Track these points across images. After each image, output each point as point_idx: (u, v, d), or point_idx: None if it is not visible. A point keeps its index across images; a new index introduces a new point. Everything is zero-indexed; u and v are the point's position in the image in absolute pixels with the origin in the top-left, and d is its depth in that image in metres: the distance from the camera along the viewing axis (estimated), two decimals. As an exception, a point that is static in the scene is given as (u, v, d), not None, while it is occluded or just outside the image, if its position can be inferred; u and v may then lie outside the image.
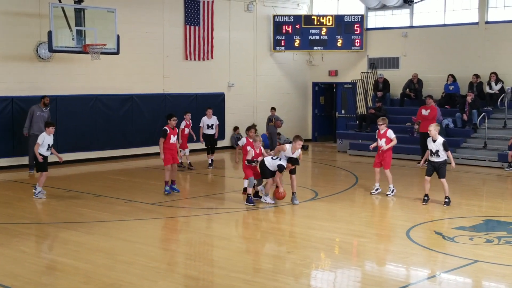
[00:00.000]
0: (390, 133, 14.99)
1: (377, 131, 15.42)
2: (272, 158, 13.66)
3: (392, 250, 10.31)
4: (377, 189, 15.03)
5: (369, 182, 16.91)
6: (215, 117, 19.66)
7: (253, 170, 13.78)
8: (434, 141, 13.58)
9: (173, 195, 14.71)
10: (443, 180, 13.53)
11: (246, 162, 13.82)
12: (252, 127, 14.77)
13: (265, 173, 13.59)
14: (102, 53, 17.98)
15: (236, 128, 24.43)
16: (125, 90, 21.34)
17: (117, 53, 18.60)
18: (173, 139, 15.03)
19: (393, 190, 14.80)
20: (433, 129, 13.76)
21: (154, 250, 10.28)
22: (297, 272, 9.19)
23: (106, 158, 20.73)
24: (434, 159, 13.62)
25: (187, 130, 18.92)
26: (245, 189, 14.05)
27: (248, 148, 13.94)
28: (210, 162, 19.24)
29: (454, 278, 8.98)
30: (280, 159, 13.54)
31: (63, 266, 9.39)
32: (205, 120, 19.41)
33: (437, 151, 13.47)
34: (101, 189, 15.59)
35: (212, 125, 19.38)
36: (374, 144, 15.53)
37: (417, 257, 9.90)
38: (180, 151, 18.60)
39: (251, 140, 14.13)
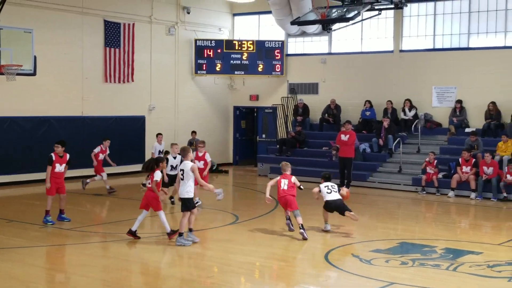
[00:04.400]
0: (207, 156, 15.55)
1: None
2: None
3: (312, 273, 10.45)
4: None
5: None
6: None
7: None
8: None
9: (94, 220, 14.41)
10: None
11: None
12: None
13: None
14: (18, 74, 17.58)
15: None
16: (42, 112, 20.84)
17: (34, 74, 18.23)
18: (59, 167, 13.80)
19: None
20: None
21: (71, 277, 10.03)
22: (217, 297, 9.16)
23: (21, 182, 20.11)
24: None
25: (101, 156, 18.68)
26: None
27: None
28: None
29: (370, 300, 9.18)
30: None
31: (-26, 295, 9.04)
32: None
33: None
34: (16, 214, 15.11)
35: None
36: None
37: (336, 280, 10.08)
38: (96, 176, 18.55)
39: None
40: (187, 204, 12.05)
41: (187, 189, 11.94)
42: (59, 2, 21.01)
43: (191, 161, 12.39)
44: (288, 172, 13.42)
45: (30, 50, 18.00)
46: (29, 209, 15.99)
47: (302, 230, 12.63)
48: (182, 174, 11.97)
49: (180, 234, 12.08)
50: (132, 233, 12.44)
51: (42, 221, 13.86)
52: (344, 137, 19.79)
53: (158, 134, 19.61)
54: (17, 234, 12.98)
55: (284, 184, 13.18)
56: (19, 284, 9.48)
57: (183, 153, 12.19)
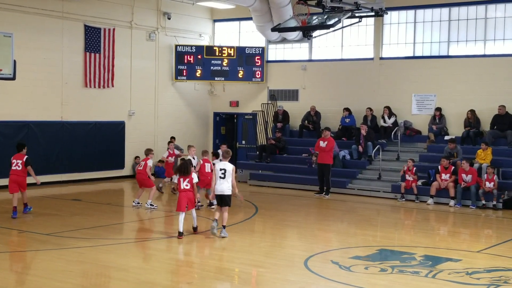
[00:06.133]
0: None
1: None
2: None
3: (291, 279, 10.45)
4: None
5: (269, 212, 17.14)
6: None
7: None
8: None
9: (72, 225, 14.31)
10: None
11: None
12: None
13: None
14: (-3, 78, 17.37)
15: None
16: (21, 116, 20.67)
17: (13, 78, 18.00)
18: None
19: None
20: None
21: (48, 282, 9.93)
22: (196, 303, 9.13)
23: (-1, 186, 19.91)
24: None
25: (171, 159, 19.76)
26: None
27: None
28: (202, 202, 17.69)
29: (349, 307, 9.19)
30: None
31: (-51, 301, 8.92)
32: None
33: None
34: (-7, 219, 14.93)
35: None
36: None
37: (315, 286, 10.09)
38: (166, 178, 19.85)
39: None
40: (227, 200, 13.27)
41: (228, 185, 13.18)
42: (39, 6, 20.89)
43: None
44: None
45: (10, 54, 17.78)
46: (8, 214, 15.80)
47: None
48: (224, 173, 13.15)
49: (224, 227, 13.31)
50: (194, 229, 13.67)
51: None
52: (322, 144, 19.90)
53: (190, 146, 18.61)
54: (-6, 239, 12.83)
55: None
56: (-5, 290, 9.38)
57: (227, 155, 13.51)
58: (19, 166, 15.53)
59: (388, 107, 22.35)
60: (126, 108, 23.98)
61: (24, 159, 15.58)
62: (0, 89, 19.03)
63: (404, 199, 19.36)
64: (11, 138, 20.29)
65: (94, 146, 22.49)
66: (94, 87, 22.69)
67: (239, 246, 13.02)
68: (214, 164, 14.67)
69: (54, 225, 14.72)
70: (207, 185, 16.08)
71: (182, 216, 13.25)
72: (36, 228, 14.20)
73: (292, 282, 10.31)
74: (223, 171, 13.19)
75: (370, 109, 22.58)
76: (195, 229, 13.68)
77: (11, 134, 20.35)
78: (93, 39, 22.54)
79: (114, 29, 23.10)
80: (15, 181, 15.48)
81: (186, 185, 13.33)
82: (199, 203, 16.04)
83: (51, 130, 21.34)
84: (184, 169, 13.42)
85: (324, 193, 20.05)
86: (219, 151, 17.37)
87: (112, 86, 23.25)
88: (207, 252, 12.32)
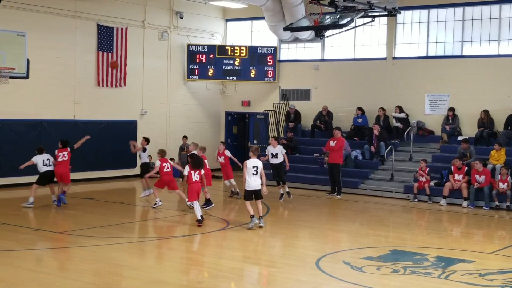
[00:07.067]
0: None
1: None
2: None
3: (302, 280, 10.42)
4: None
5: (281, 212, 17.11)
6: (281, 146, 18.99)
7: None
8: None
9: (85, 224, 14.35)
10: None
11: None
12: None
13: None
14: (10, 77, 17.43)
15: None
16: (34, 115, 20.77)
17: (27, 77, 18.12)
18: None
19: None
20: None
21: (61, 281, 9.96)
22: (208, 303, 9.12)
23: (12, 184, 20.01)
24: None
25: (220, 159, 19.31)
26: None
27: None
28: (281, 192, 18.77)
29: (361, 307, 9.15)
30: None
31: (-38, 299, 8.96)
32: (270, 149, 18.74)
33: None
34: (6, 217, 14.99)
35: (277, 154, 18.54)
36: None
37: (327, 286, 10.04)
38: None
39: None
40: (260, 194, 14.21)
41: (260, 181, 14.15)
42: (52, 5, 20.98)
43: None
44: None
45: (23, 53, 17.90)
46: (20, 212, 15.89)
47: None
48: (256, 170, 14.06)
49: (261, 217, 14.33)
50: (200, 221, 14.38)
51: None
52: (332, 143, 19.88)
53: (272, 137, 19.48)
54: (7, 236, 12.88)
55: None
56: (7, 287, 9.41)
57: (257, 152, 14.40)
58: (65, 157, 16.99)
59: (399, 107, 22.26)
60: (138, 107, 24.03)
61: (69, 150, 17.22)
62: (14, 88, 19.11)
63: (416, 200, 19.26)
64: (24, 136, 20.41)
65: (106, 145, 22.53)
66: (107, 86, 22.76)
67: (250, 246, 13.01)
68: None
69: (67, 223, 14.79)
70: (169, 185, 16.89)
71: (196, 204, 14.37)
72: (49, 226, 14.28)
73: (304, 282, 10.27)
74: (255, 168, 14.05)
75: (383, 109, 22.48)
76: (199, 221, 14.35)
77: (24, 132, 20.45)
78: (106, 38, 22.60)
79: (126, 28, 23.15)
80: (61, 172, 16.82)
81: (197, 177, 14.58)
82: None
83: (64, 129, 21.40)
84: (198, 163, 14.70)
85: (336, 193, 20.00)
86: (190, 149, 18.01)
87: (125, 85, 23.31)
88: (218, 252, 12.31)
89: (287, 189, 18.79)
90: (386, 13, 18.93)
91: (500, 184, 18.13)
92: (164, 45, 24.79)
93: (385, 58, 23.29)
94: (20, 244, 12.26)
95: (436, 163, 20.39)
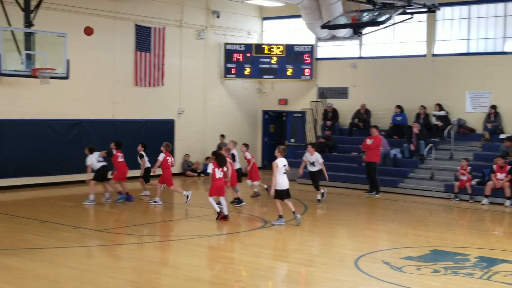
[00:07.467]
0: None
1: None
2: None
3: (341, 279, 10.33)
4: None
5: (319, 211, 17.02)
6: (318, 154, 18.07)
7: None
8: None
9: (125, 222, 14.48)
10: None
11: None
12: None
13: None
14: (51, 77, 17.68)
15: (186, 155, 24.33)
16: (74, 115, 21.04)
17: (67, 77, 18.33)
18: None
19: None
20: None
21: (101, 278, 10.05)
22: (246, 302, 9.10)
23: (53, 183, 20.32)
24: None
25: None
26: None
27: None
28: (318, 197, 18.12)
29: (401, 308, 9.04)
30: None
31: (5, 295, 9.11)
32: (307, 156, 18.13)
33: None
34: (47, 215, 15.23)
35: (314, 162, 17.92)
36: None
37: (365, 286, 9.94)
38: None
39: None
40: (289, 193, 14.58)
41: (288, 181, 14.44)
42: (92, 7, 21.22)
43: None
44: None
45: (64, 54, 18.12)
46: (61, 211, 16.12)
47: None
48: (285, 169, 14.30)
49: (295, 212, 14.49)
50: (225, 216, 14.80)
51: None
52: (369, 141, 19.71)
53: (309, 145, 18.64)
54: (49, 234, 13.07)
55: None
56: (49, 284, 9.53)
57: (284, 152, 14.50)
58: (122, 158, 17.66)
59: (439, 104, 21.94)
60: (176, 107, 24.17)
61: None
62: (54, 88, 19.39)
63: (457, 199, 18.95)
64: (64, 135, 20.71)
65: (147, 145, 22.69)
66: (145, 85, 22.94)
67: (288, 245, 12.97)
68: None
69: (106, 221, 14.95)
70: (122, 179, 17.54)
71: (212, 200, 14.85)
72: (89, 224, 14.45)
73: (342, 282, 10.18)
74: (285, 167, 14.30)
75: (424, 107, 22.17)
76: (223, 215, 14.74)
77: (64, 131, 20.74)
78: (144, 38, 22.79)
79: (164, 28, 23.30)
80: (122, 171, 17.51)
81: (221, 174, 14.84)
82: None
83: (103, 128, 21.65)
84: (222, 160, 14.96)
85: (374, 192, 19.81)
86: (229, 147, 17.78)
87: (162, 84, 23.47)
88: (256, 250, 12.28)
89: (322, 190, 18.28)
90: (425, 9, 18.73)
91: (544, 183, 17.73)
92: (201, 44, 24.88)
93: (424, 55, 22.97)
94: (62, 242, 12.42)
95: (477, 162, 20.04)
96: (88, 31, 18.01)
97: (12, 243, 12.27)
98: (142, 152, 18.23)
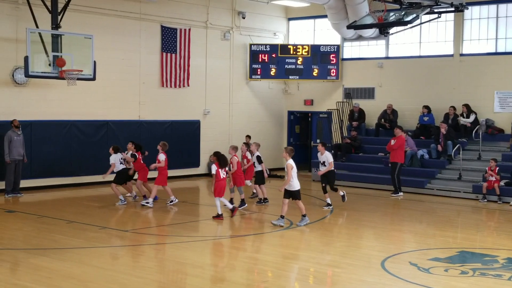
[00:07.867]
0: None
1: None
2: None
3: (367, 281, 10.26)
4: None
5: (345, 212, 16.92)
6: (329, 153, 17.51)
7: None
8: None
9: (150, 222, 14.55)
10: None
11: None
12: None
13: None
14: (78, 79, 17.85)
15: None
16: (101, 116, 21.20)
17: (94, 79, 18.49)
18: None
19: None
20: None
21: (127, 278, 10.11)
22: (272, 302, 9.08)
23: (80, 184, 20.50)
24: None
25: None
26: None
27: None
28: (341, 194, 17.61)
29: (429, 310, 8.95)
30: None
31: (33, 294, 9.20)
32: (318, 156, 17.59)
33: None
34: (75, 215, 15.36)
35: (324, 162, 17.17)
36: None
37: (393, 288, 9.87)
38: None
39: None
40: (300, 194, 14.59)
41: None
42: (118, 8, 21.37)
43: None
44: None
45: (90, 55, 18.27)
46: (88, 211, 16.25)
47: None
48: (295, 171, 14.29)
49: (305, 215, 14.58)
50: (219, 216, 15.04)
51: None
52: (392, 142, 19.59)
53: (319, 143, 18.26)
54: (76, 234, 13.19)
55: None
56: (77, 284, 9.62)
57: (292, 153, 14.50)
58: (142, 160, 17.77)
59: (466, 105, 21.68)
60: (201, 107, 24.23)
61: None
62: (81, 89, 19.57)
63: (486, 200, 18.72)
64: (91, 136, 20.88)
65: (170, 145, 22.55)
66: (170, 86, 23.04)
67: (314, 246, 12.92)
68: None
69: (133, 222, 15.04)
70: None
71: (218, 201, 14.92)
72: (116, 225, 14.55)
73: (369, 283, 10.12)
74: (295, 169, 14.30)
75: (454, 108, 21.90)
76: (220, 215, 15.05)
77: (92, 132, 20.91)
78: (170, 39, 22.88)
79: (189, 29, 23.38)
80: (146, 170, 17.69)
81: (224, 174, 15.08)
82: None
83: (129, 129, 21.78)
84: (224, 161, 15.16)
85: (392, 192, 19.68)
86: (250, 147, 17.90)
87: (188, 85, 23.55)
88: (283, 251, 12.26)
89: (341, 193, 17.55)
90: (453, 9, 18.54)
91: None
92: (226, 45, 24.92)
93: (452, 55, 22.73)
94: (89, 242, 12.52)
95: (506, 162, 19.78)
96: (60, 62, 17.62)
97: (40, 243, 12.40)
98: (135, 153, 17.69)
